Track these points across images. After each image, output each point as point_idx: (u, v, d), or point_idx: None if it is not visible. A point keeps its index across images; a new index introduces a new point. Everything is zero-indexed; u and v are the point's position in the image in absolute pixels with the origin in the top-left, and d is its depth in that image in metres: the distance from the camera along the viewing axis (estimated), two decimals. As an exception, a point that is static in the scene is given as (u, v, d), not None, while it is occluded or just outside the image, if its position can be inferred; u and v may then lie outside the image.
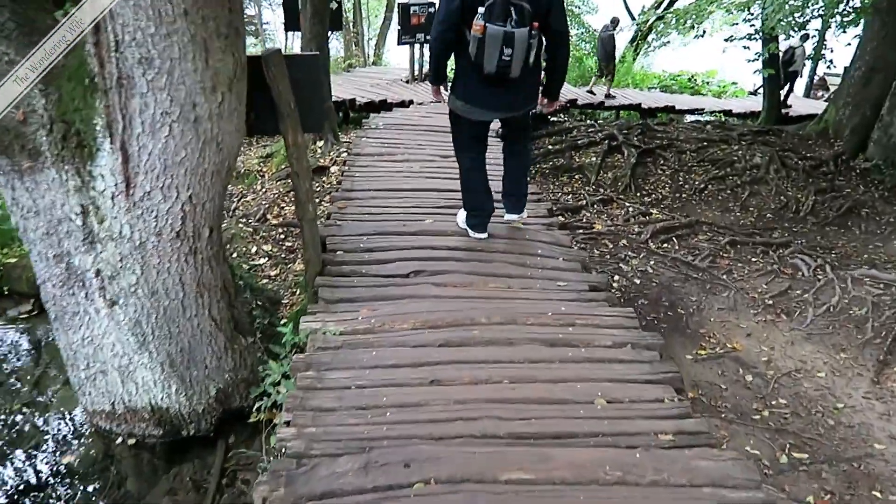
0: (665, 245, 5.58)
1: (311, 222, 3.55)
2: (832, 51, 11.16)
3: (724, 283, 4.96)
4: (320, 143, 6.78)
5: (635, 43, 18.91)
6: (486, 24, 3.27)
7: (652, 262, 5.21)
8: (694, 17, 7.16)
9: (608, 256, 5.30)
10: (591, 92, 14.00)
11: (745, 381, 3.95)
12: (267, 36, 18.33)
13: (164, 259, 2.84)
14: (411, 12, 12.77)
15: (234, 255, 4.90)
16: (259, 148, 8.02)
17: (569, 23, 3.75)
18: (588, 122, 11.54)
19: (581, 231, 5.75)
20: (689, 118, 15.63)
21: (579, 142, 9.24)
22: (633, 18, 19.03)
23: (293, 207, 5.72)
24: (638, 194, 8.09)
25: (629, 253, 5.35)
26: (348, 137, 10.46)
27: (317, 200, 5.67)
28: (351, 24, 19.77)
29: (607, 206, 6.66)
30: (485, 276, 3.64)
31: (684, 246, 5.58)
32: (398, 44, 13.16)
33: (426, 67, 16.91)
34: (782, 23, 6.33)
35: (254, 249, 5.00)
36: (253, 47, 19.96)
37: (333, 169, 6.31)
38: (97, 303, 2.96)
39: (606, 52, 12.80)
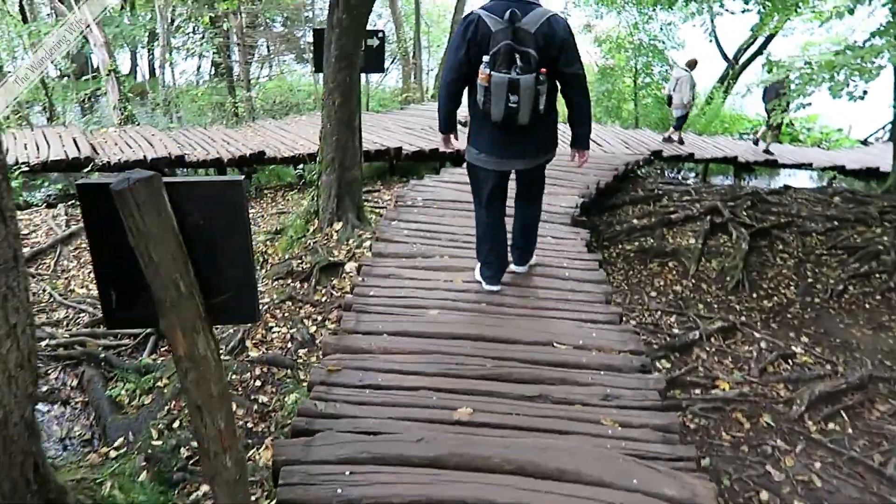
0: (832, 425, 3.67)
1: (228, 487, 1.86)
2: None
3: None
4: (338, 227, 5.15)
5: (726, 82, 16.83)
6: (491, 73, 3.24)
7: (817, 464, 3.31)
8: (854, 71, 5.22)
9: (745, 448, 3.43)
10: (768, 152, 12.14)
11: None
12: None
13: None
14: (473, 47, 11.18)
15: (176, 424, 3.27)
16: (271, 217, 6.48)
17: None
18: (681, 184, 9.59)
19: (699, 393, 3.90)
20: (787, 173, 13.46)
21: (673, 216, 7.37)
22: (726, 58, 16.98)
23: (286, 328, 4.10)
24: (754, 295, 6.16)
25: (778, 442, 3.47)
26: (391, 194, 8.88)
27: (312, 328, 3.98)
28: (410, 56, 18.42)
29: (729, 340, 4.76)
30: None
31: (862, 428, 3.65)
32: (457, 81, 11.58)
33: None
34: None
35: (207, 413, 3.39)
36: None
37: (349, 267, 4.66)
38: None
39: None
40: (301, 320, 4.15)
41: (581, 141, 3.61)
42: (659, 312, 5.15)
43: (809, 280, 6.41)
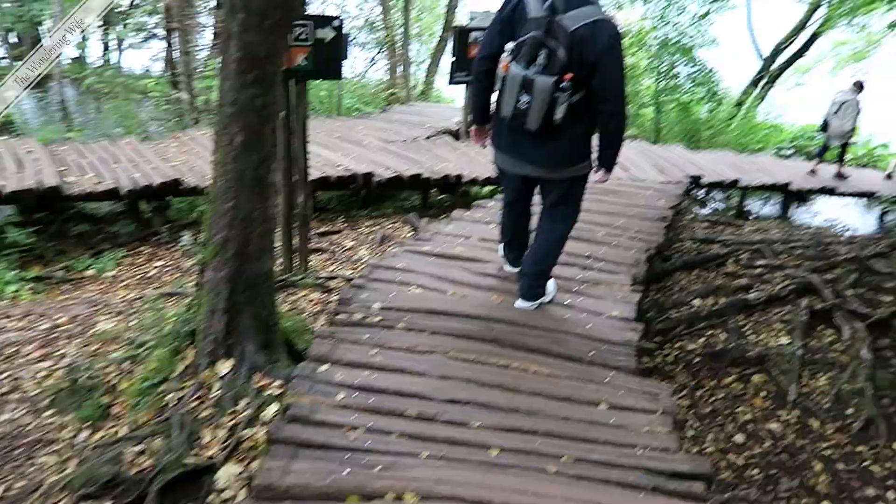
0: None
1: None
2: None
3: None
4: (225, 367, 2.88)
5: (762, 85, 14.58)
6: (510, 63, 2.90)
7: None
8: None
9: None
10: (840, 175, 10.26)
11: None
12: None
13: None
14: (470, 40, 8.94)
15: None
16: (171, 301, 4.18)
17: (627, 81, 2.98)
18: (745, 232, 7.30)
19: None
20: (842, 202, 11.25)
21: (750, 296, 5.16)
22: (762, 56, 14.74)
23: None
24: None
25: None
26: (354, 238, 6.63)
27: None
28: (398, 45, 16.08)
29: None
30: None
31: None
32: (450, 82, 9.38)
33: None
34: None
35: None
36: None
37: (224, 477, 2.40)
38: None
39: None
40: None
41: (605, 160, 3.22)
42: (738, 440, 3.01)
43: (972, 414, 4.24)
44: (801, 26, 14.28)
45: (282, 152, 4.94)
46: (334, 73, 4.94)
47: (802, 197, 10.48)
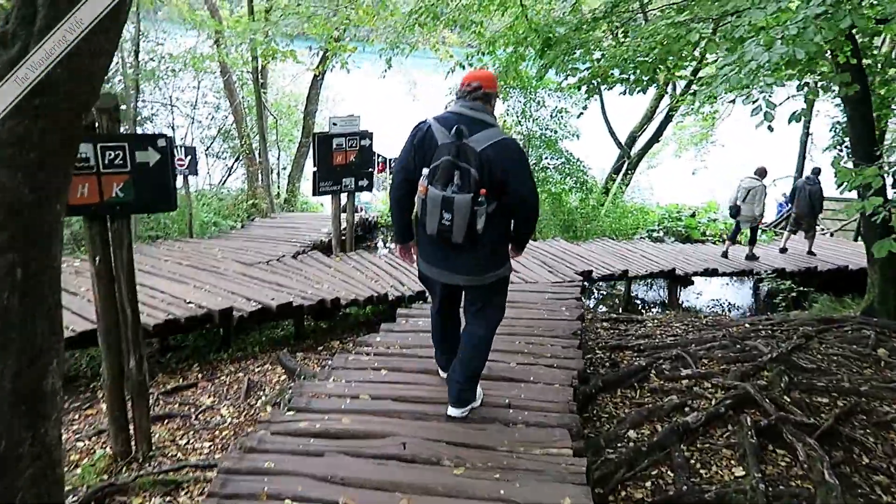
0: None
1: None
2: None
3: None
4: None
5: (623, 173, 14.93)
6: (428, 186, 3.15)
7: None
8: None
9: None
10: (811, 253, 11.04)
11: None
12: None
13: None
14: (334, 147, 8.22)
15: None
16: None
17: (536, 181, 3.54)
18: (650, 328, 6.75)
19: None
20: (722, 280, 11.32)
21: (688, 418, 4.48)
22: (620, 146, 15.16)
23: None
24: None
25: None
26: (213, 391, 5.42)
27: None
28: (256, 154, 15.15)
29: None
30: None
31: None
32: (314, 193, 8.55)
33: (372, 223, 12.21)
34: None
35: None
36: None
37: None
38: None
39: (812, 204, 10.55)
40: None
41: (520, 242, 3.57)
42: None
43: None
44: (651, 114, 14.90)
45: (104, 306, 3.82)
46: (163, 202, 3.90)
47: (687, 280, 10.41)
